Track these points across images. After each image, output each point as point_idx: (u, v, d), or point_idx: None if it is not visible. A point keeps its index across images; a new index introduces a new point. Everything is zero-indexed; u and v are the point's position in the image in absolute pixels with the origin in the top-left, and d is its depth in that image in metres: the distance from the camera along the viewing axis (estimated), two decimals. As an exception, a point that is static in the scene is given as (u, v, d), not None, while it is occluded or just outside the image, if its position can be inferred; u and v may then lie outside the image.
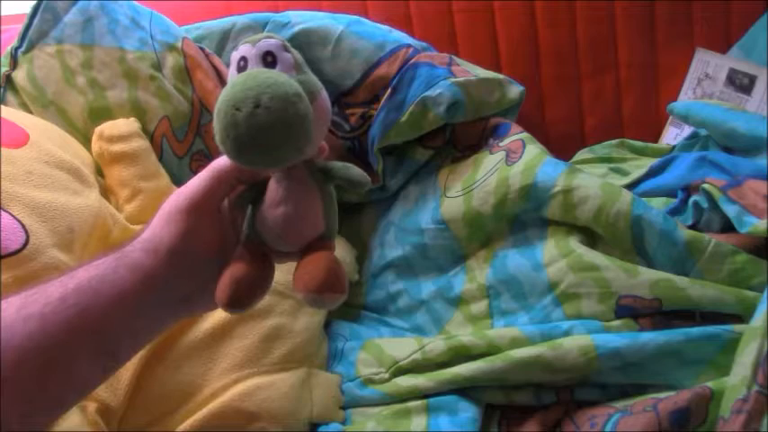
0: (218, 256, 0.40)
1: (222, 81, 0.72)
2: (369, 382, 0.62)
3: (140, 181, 0.63)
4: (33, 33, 0.66)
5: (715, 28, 0.92)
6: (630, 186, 0.76)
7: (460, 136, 0.78)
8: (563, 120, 0.94)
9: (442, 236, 0.70)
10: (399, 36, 0.79)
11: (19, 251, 0.46)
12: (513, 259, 0.66)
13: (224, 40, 0.77)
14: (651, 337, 0.55)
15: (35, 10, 0.67)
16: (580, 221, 0.63)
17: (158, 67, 0.69)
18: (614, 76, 0.93)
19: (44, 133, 0.58)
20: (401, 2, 0.89)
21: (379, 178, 0.76)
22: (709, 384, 0.51)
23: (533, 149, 0.69)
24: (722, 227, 0.65)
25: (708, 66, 0.91)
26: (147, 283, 0.37)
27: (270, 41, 0.37)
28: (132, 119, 0.67)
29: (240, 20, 0.78)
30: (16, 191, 0.48)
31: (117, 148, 0.63)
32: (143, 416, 0.52)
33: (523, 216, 0.67)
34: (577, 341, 0.56)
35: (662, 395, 0.53)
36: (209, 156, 0.73)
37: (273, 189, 0.39)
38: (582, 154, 0.90)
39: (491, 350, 0.59)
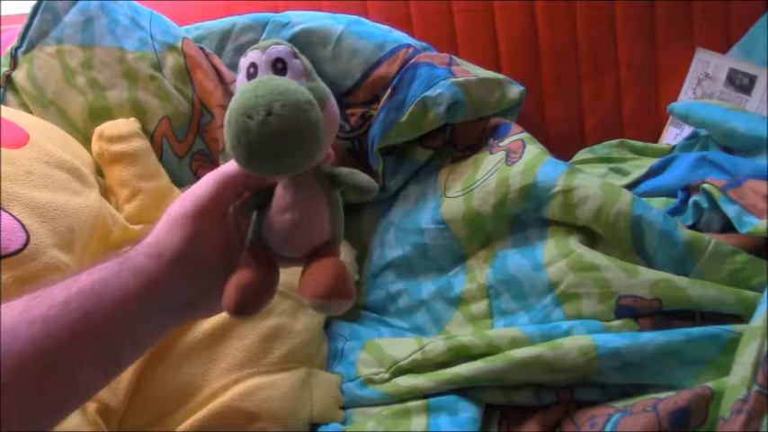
0: (222, 262, 0.40)
1: (222, 81, 0.72)
2: (369, 382, 0.62)
3: (140, 181, 0.63)
4: (33, 33, 0.66)
5: (715, 28, 0.92)
6: (630, 186, 0.76)
7: (460, 136, 0.78)
8: (563, 120, 0.94)
9: (442, 236, 0.70)
10: (399, 36, 0.79)
11: (19, 251, 0.46)
12: (513, 259, 0.66)
13: (224, 40, 0.77)
14: (651, 337, 0.55)
15: (35, 10, 0.67)
16: (580, 221, 0.63)
17: (158, 67, 0.69)
18: (614, 76, 0.93)
19: (44, 133, 0.58)
20: (401, 2, 0.89)
21: (379, 178, 0.76)
22: (710, 384, 0.51)
23: (533, 149, 0.69)
24: (722, 227, 0.65)
25: (708, 66, 0.91)
26: (151, 287, 0.37)
27: (279, 48, 0.37)
28: (132, 119, 0.67)
29: (240, 20, 0.78)
30: (16, 191, 0.48)
31: (117, 148, 0.63)
32: (143, 416, 0.52)
33: (523, 216, 0.67)
34: (577, 341, 0.56)
35: (662, 395, 0.53)
36: (209, 156, 0.73)
37: (280, 195, 0.39)
38: (582, 154, 0.90)
39: (491, 350, 0.59)
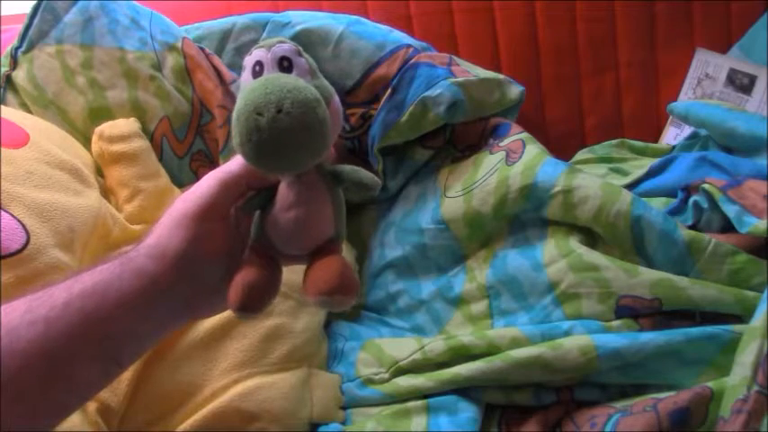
0: (223, 262, 0.40)
1: (222, 81, 0.72)
2: (369, 382, 0.62)
3: (140, 181, 0.63)
4: (33, 33, 0.66)
5: (715, 28, 0.92)
6: (630, 186, 0.76)
7: (460, 136, 0.78)
8: (563, 120, 0.94)
9: (442, 236, 0.70)
10: (399, 36, 0.79)
11: (19, 251, 0.46)
12: (513, 259, 0.66)
13: (224, 40, 0.77)
14: (651, 338, 0.55)
15: (35, 10, 0.67)
16: (580, 221, 0.63)
17: (158, 67, 0.69)
18: (614, 76, 0.93)
19: (44, 133, 0.58)
20: (401, 2, 0.89)
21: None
22: (710, 384, 0.51)
23: (533, 149, 0.69)
24: (722, 227, 0.66)
25: (708, 66, 0.91)
26: (153, 288, 0.37)
27: (285, 46, 0.37)
28: (132, 119, 0.67)
29: (240, 20, 0.78)
30: (16, 191, 0.48)
31: (117, 148, 0.63)
32: (143, 416, 0.52)
33: (523, 216, 0.67)
34: (577, 341, 0.56)
35: (662, 395, 0.53)
36: (209, 156, 0.73)
37: (284, 193, 0.39)
38: (582, 154, 0.90)
39: (491, 350, 0.59)
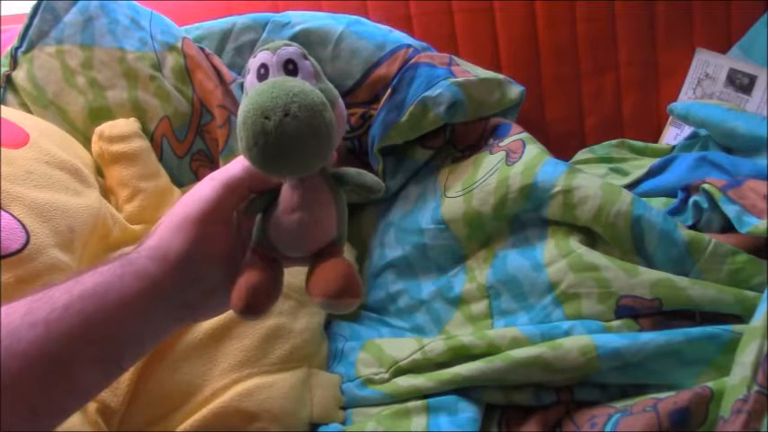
0: (225, 265, 0.40)
1: (222, 81, 0.72)
2: (369, 382, 0.62)
3: (140, 181, 0.63)
4: (33, 33, 0.66)
5: (715, 28, 0.92)
6: (630, 186, 0.76)
7: (460, 136, 0.78)
8: (563, 120, 0.94)
9: (442, 236, 0.70)
10: (399, 36, 0.79)
11: (19, 251, 0.46)
12: (513, 259, 0.66)
13: (224, 40, 0.77)
14: (651, 338, 0.55)
15: (35, 10, 0.67)
16: (580, 221, 0.63)
17: (158, 67, 0.69)
18: (614, 76, 0.93)
19: (44, 133, 0.58)
20: (401, 2, 0.89)
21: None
22: (710, 384, 0.51)
23: (533, 149, 0.69)
24: (722, 227, 0.66)
25: (708, 66, 0.91)
26: (154, 290, 0.37)
27: (290, 49, 0.37)
28: (132, 119, 0.67)
29: (240, 20, 0.78)
30: (16, 191, 0.48)
31: (117, 148, 0.63)
32: (143, 416, 0.52)
33: (523, 216, 0.67)
34: (577, 341, 0.56)
35: (662, 395, 0.53)
36: (209, 156, 0.73)
37: (288, 196, 0.39)
38: (582, 154, 0.90)
39: (491, 350, 0.59)
